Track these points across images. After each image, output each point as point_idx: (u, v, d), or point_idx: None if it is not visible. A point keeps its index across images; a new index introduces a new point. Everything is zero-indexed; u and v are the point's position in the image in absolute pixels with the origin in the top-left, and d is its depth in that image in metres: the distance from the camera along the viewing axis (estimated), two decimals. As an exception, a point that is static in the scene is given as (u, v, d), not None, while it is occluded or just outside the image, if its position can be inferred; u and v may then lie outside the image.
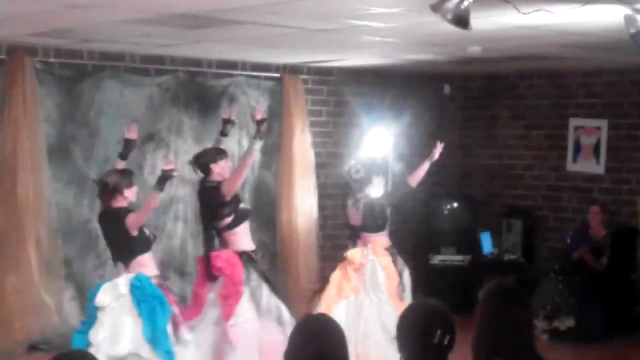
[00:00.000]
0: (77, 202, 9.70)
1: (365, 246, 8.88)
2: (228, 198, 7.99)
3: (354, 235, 9.01)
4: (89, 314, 7.34)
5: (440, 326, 3.84)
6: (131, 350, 7.13)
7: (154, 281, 7.38)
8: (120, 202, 7.40)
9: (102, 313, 7.18)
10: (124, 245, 7.42)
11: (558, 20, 7.16)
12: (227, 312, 7.83)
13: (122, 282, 7.28)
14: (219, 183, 8.01)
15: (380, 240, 8.98)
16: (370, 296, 8.78)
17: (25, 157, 9.10)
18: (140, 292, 7.25)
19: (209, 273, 7.94)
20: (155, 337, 7.17)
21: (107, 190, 7.40)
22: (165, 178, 7.51)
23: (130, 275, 7.31)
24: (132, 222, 7.32)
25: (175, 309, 7.49)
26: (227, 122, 8.69)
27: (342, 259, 8.92)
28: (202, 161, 8.17)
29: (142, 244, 7.47)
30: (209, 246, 8.14)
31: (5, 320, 9.10)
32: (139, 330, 7.17)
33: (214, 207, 8.06)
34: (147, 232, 7.54)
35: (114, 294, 7.22)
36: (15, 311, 9.14)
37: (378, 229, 8.95)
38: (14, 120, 9.15)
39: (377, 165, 9.33)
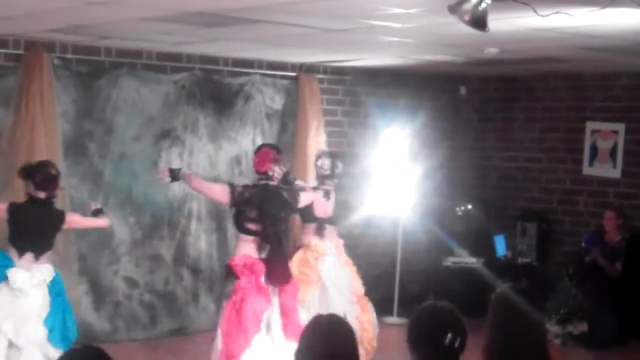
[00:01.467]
0: (92, 198, 9.70)
1: (326, 239, 9.01)
2: None
3: (320, 227, 9.09)
4: None
5: (451, 329, 3.84)
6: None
7: None
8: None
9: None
10: (50, 239, 7.74)
11: (577, 23, 7.16)
12: None
13: (40, 271, 7.54)
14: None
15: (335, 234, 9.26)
16: (342, 292, 8.91)
17: (42, 152, 9.12)
18: (60, 287, 7.68)
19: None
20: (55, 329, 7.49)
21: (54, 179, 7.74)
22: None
23: (50, 268, 7.61)
24: (74, 221, 7.88)
25: None
26: None
27: (301, 247, 9.11)
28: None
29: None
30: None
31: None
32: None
33: None
34: None
35: (29, 281, 7.48)
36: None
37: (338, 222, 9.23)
38: (32, 115, 9.20)
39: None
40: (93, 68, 9.81)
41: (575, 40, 8.41)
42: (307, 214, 9.05)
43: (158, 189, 10.22)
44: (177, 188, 10.32)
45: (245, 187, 7.74)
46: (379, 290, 10.63)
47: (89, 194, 9.78)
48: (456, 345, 3.83)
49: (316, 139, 11.10)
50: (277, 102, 11.13)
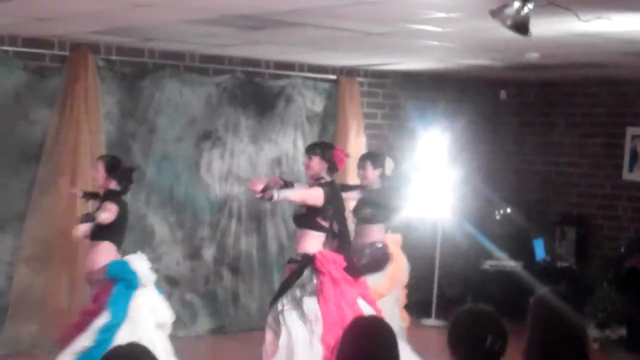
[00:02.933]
0: (134, 198, 9.77)
1: None
2: None
3: None
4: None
5: (492, 332, 3.84)
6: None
7: None
8: None
9: None
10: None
11: (618, 28, 7.11)
12: None
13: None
14: None
15: None
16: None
17: (86, 152, 9.23)
18: None
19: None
20: None
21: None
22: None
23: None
24: None
25: None
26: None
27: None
28: None
29: None
30: None
31: (62, 312, 9.21)
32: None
33: None
34: None
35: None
36: (71, 303, 9.24)
37: None
38: (76, 115, 9.29)
39: None
40: (137, 69, 9.89)
41: (616, 46, 8.35)
42: None
43: (199, 189, 10.30)
44: (217, 189, 10.38)
45: (324, 184, 7.65)
46: (418, 292, 10.61)
47: (131, 193, 9.79)
48: (496, 348, 3.82)
49: (356, 142, 11.12)
50: (318, 105, 11.16)
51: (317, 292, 7.43)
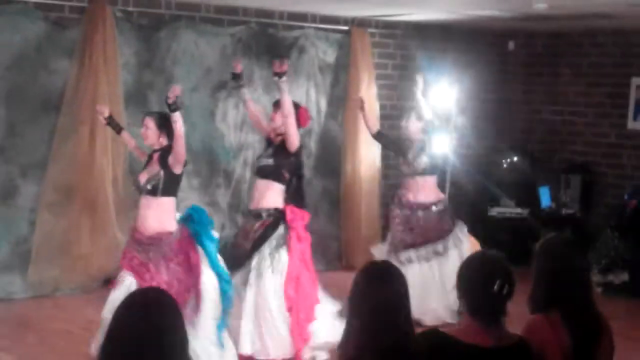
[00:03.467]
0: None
1: None
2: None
3: None
4: None
5: (500, 276, 3.85)
6: None
7: None
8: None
9: None
10: None
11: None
12: None
13: None
14: None
15: None
16: None
17: (104, 101, 9.20)
18: None
19: None
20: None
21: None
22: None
23: None
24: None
25: None
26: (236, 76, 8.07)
27: None
28: None
29: None
30: None
31: (83, 256, 9.43)
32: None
33: None
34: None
35: None
36: (92, 248, 9.46)
37: None
38: (95, 66, 9.35)
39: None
40: (153, 21, 9.95)
41: (623, -3, 8.41)
42: None
43: (215, 138, 10.40)
44: (232, 137, 10.48)
45: None
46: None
47: (148, 142, 9.95)
48: (505, 291, 3.84)
49: (368, 92, 11.17)
50: (330, 56, 11.23)
51: (287, 245, 7.47)
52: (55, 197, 9.38)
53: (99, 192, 9.36)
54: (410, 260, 8.80)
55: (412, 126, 9.01)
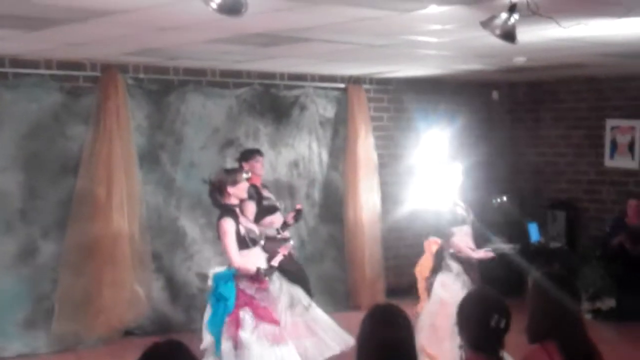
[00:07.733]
0: (166, 203, 9.81)
1: None
2: None
3: None
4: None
5: (497, 311, 3.85)
6: None
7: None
8: (227, 199, 6.92)
9: None
10: None
11: (596, 32, 7.14)
12: None
13: None
14: None
15: None
16: None
17: (119, 163, 9.23)
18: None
19: None
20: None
21: (213, 188, 6.95)
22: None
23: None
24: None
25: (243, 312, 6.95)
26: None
27: None
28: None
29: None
30: None
31: (103, 309, 9.24)
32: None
33: None
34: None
35: None
36: (112, 301, 9.27)
37: None
38: (109, 130, 9.27)
39: None
40: (163, 86, 9.89)
41: (594, 48, 8.38)
42: None
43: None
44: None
45: None
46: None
47: (163, 198, 9.87)
48: (502, 325, 3.85)
49: (365, 143, 11.16)
50: (329, 111, 11.18)
51: None
52: (75, 254, 9.20)
53: (117, 248, 9.22)
54: None
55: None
